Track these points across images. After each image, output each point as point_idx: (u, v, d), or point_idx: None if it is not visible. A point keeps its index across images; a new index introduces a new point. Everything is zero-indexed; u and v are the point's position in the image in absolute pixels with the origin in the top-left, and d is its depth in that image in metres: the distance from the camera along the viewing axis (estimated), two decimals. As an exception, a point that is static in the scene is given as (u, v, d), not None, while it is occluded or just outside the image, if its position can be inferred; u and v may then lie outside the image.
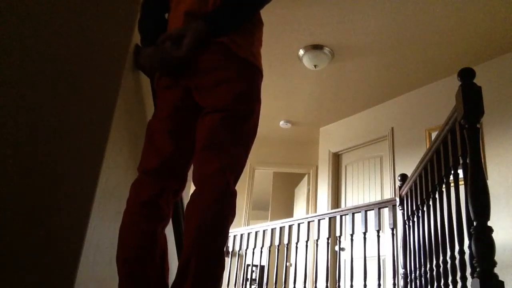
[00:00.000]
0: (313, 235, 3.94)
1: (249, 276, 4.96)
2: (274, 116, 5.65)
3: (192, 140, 1.36)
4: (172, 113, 1.37)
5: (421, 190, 2.61)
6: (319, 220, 3.92)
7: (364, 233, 3.45)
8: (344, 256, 4.51)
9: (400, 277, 3.09)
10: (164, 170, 1.34)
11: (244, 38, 1.37)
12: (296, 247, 4.06)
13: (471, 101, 1.81)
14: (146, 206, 1.28)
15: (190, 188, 1.35)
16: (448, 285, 1.96)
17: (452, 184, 2.05)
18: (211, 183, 1.22)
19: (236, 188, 1.27)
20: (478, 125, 1.80)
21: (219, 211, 1.18)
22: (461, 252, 1.84)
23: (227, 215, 1.20)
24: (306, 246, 3.96)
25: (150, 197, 1.29)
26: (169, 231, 2.09)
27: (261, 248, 4.51)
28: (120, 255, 1.24)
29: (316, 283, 3.75)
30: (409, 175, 3.01)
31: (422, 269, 2.46)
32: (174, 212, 2.04)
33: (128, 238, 1.25)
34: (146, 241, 1.24)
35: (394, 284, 3.21)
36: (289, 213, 6.78)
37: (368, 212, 3.53)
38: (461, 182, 1.88)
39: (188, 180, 1.44)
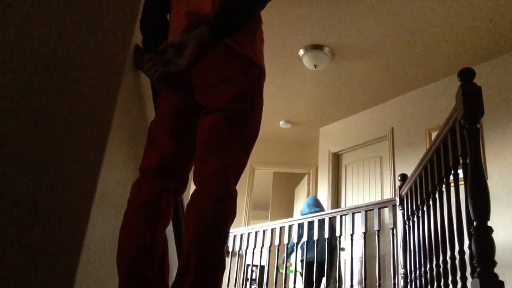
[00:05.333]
0: (313, 235, 3.94)
1: (249, 276, 4.96)
2: (274, 116, 5.65)
3: (193, 140, 1.36)
4: (174, 113, 1.37)
5: (421, 190, 2.61)
6: (319, 220, 3.92)
7: (364, 233, 3.45)
8: (344, 256, 4.51)
9: (400, 277, 3.08)
10: (165, 170, 1.34)
11: (246, 37, 1.37)
12: (296, 247, 4.06)
13: (471, 101, 1.81)
14: (146, 206, 1.28)
15: (191, 188, 1.35)
16: (448, 285, 1.96)
17: (452, 184, 2.05)
18: (211, 182, 1.22)
19: (236, 188, 1.27)
20: (478, 125, 1.80)
21: (219, 211, 1.18)
22: (461, 252, 1.84)
23: (227, 215, 1.20)
24: (306, 246, 3.95)
25: (151, 197, 1.29)
26: (169, 231, 2.09)
27: (261, 248, 4.51)
28: (120, 255, 1.24)
29: (316, 283, 3.74)
30: (409, 175, 3.01)
31: (422, 269, 2.46)
32: (174, 212, 2.04)
33: (129, 238, 1.25)
34: (146, 241, 1.24)
35: (394, 284, 3.21)
36: (289, 213, 6.78)
37: (368, 212, 3.53)
38: (461, 182, 1.88)
39: (189, 180, 1.44)
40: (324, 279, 3.95)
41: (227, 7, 1.33)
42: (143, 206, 1.28)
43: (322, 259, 3.94)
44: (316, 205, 4.58)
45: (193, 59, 1.30)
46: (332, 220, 3.88)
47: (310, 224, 4.02)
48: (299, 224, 4.11)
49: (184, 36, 1.32)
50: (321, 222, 3.89)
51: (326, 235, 3.76)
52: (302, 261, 4.23)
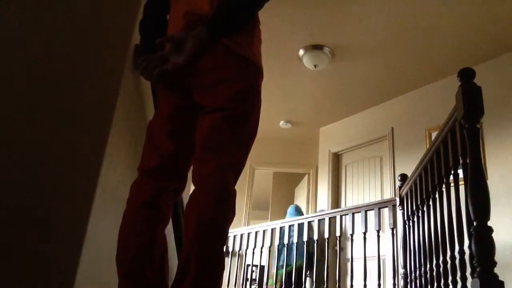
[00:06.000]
0: (314, 235, 3.94)
1: (249, 276, 4.95)
2: (274, 116, 5.65)
3: (192, 140, 1.35)
4: (173, 112, 1.37)
5: (421, 190, 2.61)
6: (319, 220, 3.92)
7: (364, 233, 3.45)
8: (344, 256, 4.51)
9: (400, 277, 3.08)
10: (164, 169, 1.34)
11: (244, 37, 1.37)
12: (296, 247, 4.06)
13: (471, 101, 1.81)
14: (146, 206, 1.28)
15: (190, 188, 1.35)
16: (448, 285, 1.96)
17: (452, 184, 2.05)
18: (210, 182, 1.22)
19: (236, 188, 1.27)
20: (478, 125, 1.80)
21: (218, 210, 1.18)
22: (461, 252, 1.84)
23: (227, 214, 1.20)
24: (307, 246, 3.95)
25: (150, 197, 1.29)
26: (169, 231, 2.09)
27: (261, 248, 4.51)
28: (120, 255, 1.24)
29: (316, 283, 3.74)
30: (409, 175, 3.01)
31: (422, 269, 2.46)
32: (174, 212, 2.04)
33: (128, 238, 1.25)
34: (146, 241, 1.24)
35: (394, 284, 3.21)
36: (289, 213, 6.78)
37: (368, 212, 3.53)
38: (461, 182, 1.88)
39: (188, 179, 1.44)
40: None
41: (225, 7, 1.32)
42: (142, 205, 1.28)
43: (301, 263, 4.03)
44: (297, 214, 4.85)
45: (191, 57, 1.30)
46: (311, 224, 3.95)
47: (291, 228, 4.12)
48: (299, 225, 4.11)
49: (183, 33, 1.32)
50: (299, 227, 4.01)
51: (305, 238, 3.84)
52: (282, 266, 4.28)
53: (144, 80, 1.75)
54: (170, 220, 2.03)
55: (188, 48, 1.29)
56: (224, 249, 1.22)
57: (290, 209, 5.17)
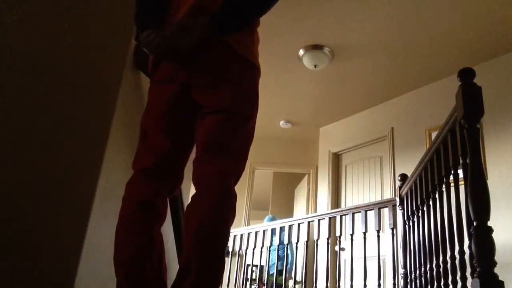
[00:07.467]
0: (313, 235, 3.94)
1: (249, 276, 4.95)
2: (274, 116, 5.65)
3: (188, 138, 1.34)
4: (168, 110, 1.33)
5: (421, 190, 2.61)
6: (319, 220, 3.92)
7: (364, 233, 3.45)
8: (344, 256, 4.51)
9: (400, 277, 3.08)
10: (160, 169, 1.32)
11: (245, 37, 1.36)
12: (296, 247, 4.07)
13: (471, 101, 1.81)
14: (142, 206, 1.26)
15: (191, 189, 1.35)
16: (448, 285, 1.96)
17: (452, 184, 2.05)
18: (211, 185, 1.21)
19: (236, 188, 1.27)
20: (478, 125, 1.80)
21: (219, 212, 1.18)
22: (461, 252, 1.84)
23: (228, 216, 1.20)
24: (306, 246, 3.96)
25: (147, 197, 1.27)
26: (170, 231, 2.09)
27: (261, 248, 4.51)
28: (119, 255, 1.23)
29: (316, 283, 3.74)
30: (409, 175, 3.01)
31: (422, 269, 2.46)
32: (175, 211, 2.04)
33: (126, 238, 1.24)
34: (142, 241, 1.23)
35: (394, 284, 3.21)
36: (289, 213, 6.78)
37: (368, 212, 3.53)
38: (461, 182, 1.88)
39: (187, 180, 1.44)
40: None
41: (233, 5, 1.29)
42: (139, 205, 1.26)
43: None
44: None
45: (195, 44, 1.26)
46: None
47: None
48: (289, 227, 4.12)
49: (190, 20, 1.28)
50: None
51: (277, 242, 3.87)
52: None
53: (144, 80, 1.75)
54: (170, 221, 2.03)
55: (194, 34, 1.24)
56: (225, 251, 1.21)
57: (267, 220, 5.21)
